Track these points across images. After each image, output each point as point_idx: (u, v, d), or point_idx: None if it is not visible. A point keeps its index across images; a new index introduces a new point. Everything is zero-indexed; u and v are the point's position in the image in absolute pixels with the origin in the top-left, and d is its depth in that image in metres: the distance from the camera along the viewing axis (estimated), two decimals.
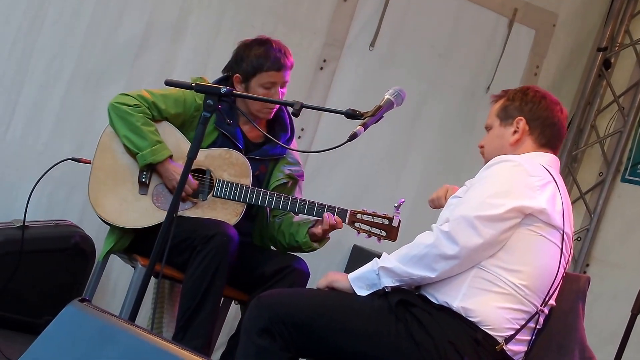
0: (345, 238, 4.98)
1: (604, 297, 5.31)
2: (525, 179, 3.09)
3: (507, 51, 5.48)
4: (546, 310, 3.22)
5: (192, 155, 3.09)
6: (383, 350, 3.07)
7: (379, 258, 3.20)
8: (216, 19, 4.97)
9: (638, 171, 5.48)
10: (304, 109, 3.11)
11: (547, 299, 3.16)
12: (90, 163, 3.97)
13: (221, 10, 4.97)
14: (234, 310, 4.31)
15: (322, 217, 3.91)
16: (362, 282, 3.19)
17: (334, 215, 3.92)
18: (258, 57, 3.98)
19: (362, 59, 5.20)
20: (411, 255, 3.12)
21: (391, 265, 3.14)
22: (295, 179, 4.12)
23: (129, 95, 3.95)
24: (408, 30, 5.32)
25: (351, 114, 3.09)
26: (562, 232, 3.14)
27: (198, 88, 3.18)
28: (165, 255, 3.10)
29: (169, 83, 3.33)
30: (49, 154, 4.53)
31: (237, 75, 4.02)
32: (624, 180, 5.56)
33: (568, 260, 3.25)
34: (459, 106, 5.39)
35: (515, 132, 3.26)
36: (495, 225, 3.04)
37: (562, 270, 3.20)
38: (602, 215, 5.59)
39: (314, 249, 4.02)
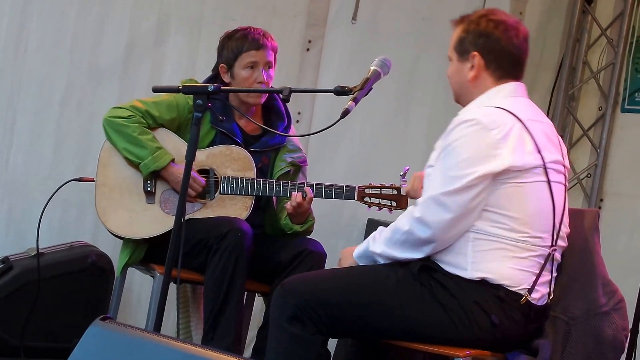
0: (359, 213, 4.98)
1: (623, 228, 5.31)
2: (486, 138, 3.04)
3: (489, 2, 5.45)
4: (562, 243, 3.20)
5: (190, 157, 3.10)
6: (412, 318, 3.08)
7: (377, 234, 3.22)
8: (196, 18, 4.97)
9: (637, 99, 5.47)
10: (296, 93, 3.14)
11: (555, 235, 3.15)
12: (93, 181, 3.99)
13: (199, 9, 4.97)
14: (259, 303, 4.33)
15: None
16: (366, 260, 3.24)
17: (342, 194, 3.93)
18: (237, 41, 4.02)
19: (346, 33, 5.19)
20: (394, 240, 3.15)
21: (379, 250, 3.18)
22: (298, 166, 4.13)
23: (121, 108, 3.97)
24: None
25: (340, 91, 3.09)
26: (542, 166, 3.09)
27: (185, 90, 3.19)
28: (180, 260, 3.11)
29: (156, 90, 3.35)
30: (53, 177, 4.55)
31: (222, 65, 4.05)
32: (624, 110, 5.53)
33: (565, 184, 3.21)
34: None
35: (472, 67, 3.20)
36: (462, 196, 3.03)
37: (560, 199, 3.16)
38: (607, 148, 5.57)
39: (296, 231, 4.02)
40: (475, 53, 3.19)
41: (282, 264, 3.90)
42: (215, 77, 4.10)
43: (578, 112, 5.73)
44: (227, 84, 4.03)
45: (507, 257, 3.07)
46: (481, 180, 3.03)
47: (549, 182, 3.11)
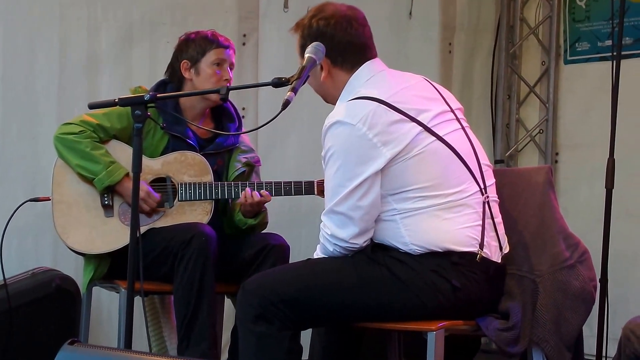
0: (318, 198, 4.97)
1: (583, 179, 5.35)
2: (358, 139, 3.04)
3: None
4: (490, 181, 3.21)
5: (136, 170, 3.08)
6: (376, 298, 3.10)
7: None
8: (126, 28, 4.92)
9: (578, 49, 5.49)
10: (236, 90, 3.12)
11: (479, 178, 3.16)
12: (49, 200, 3.96)
13: (128, 18, 4.93)
14: (230, 304, 4.31)
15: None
16: None
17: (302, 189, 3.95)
18: (204, 39, 4.06)
19: (280, 23, 5.16)
20: (329, 254, 3.18)
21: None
22: (252, 166, 4.15)
23: (71, 124, 3.95)
24: None
25: (278, 83, 3.07)
26: (424, 130, 3.09)
27: (121, 102, 3.15)
28: (141, 273, 3.09)
29: (92, 106, 3.32)
30: (5, 205, 4.48)
31: (185, 61, 4.06)
32: (567, 62, 5.55)
33: (462, 127, 3.22)
34: (387, 37, 5.35)
35: (322, 69, 3.22)
36: (352, 199, 3.06)
37: (462, 144, 3.17)
38: (556, 102, 5.59)
39: (251, 224, 4.03)
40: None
41: (247, 262, 3.91)
42: (164, 84, 4.10)
43: (522, 69, 5.75)
44: (187, 80, 4.06)
45: (441, 222, 3.08)
46: (370, 180, 3.05)
47: (439, 138, 3.10)
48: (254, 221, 4.03)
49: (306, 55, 3.14)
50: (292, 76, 3.05)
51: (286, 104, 2.94)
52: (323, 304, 3.12)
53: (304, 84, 3.05)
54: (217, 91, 3.16)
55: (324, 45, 3.16)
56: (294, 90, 3.00)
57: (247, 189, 3.93)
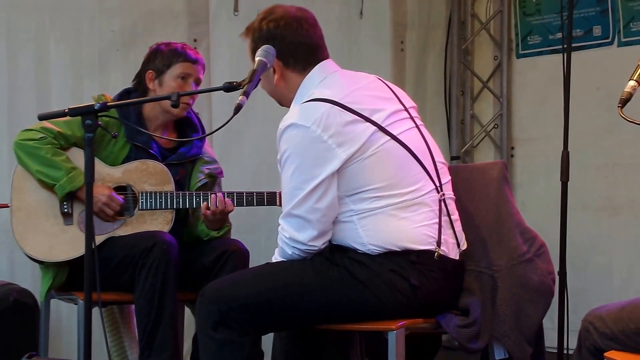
0: (280, 207, 4.96)
1: (539, 172, 5.38)
2: (314, 141, 3.04)
3: None
4: (446, 179, 3.22)
5: (89, 180, 3.03)
6: (336, 300, 3.09)
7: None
8: (75, 37, 4.89)
9: (529, 43, 5.51)
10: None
11: (435, 176, 3.16)
12: (8, 206, 3.94)
13: (77, 27, 4.89)
14: (190, 312, 4.29)
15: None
16: None
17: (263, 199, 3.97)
18: (172, 51, 4.03)
19: (230, 27, 5.14)
20: (288, 257, 3.17)
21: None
22: (214, 177, 4.15)
23: (32, 130, 3.93)
24: None
25: (229, 87, 3.05)
26: (378, 130, 3.09)
27: (71, 112, 3.11)
28: (98, 282, 3.05)
29: (42, 117, 3.28)
30: None
31: (150, 71, 4.03)
32: (519, 56, 5.57)
33: (416, 125, 3.22)
34: (339, 37, 5.35)
35: (274, 71, 3.22)
36: (309, 201, 3.06)
37: (417, 142, 3.17)
38: (509, 96, 5.61)
39: (213, 237, 4.02)
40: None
41: (206, 268, 3.90)
42: (127, 93, 4.08)
43: (475, 65, 5.76)
44: (150, 91, 4.04)
45: (398, 222, 3.08)
46: (327, 182, 3.05)
47: (394, 137, 3.11)
48: (217, 234, 4.02)
49: (256, 59, 3.12)
50: (243, 80, 3.04)
51: (238, 108, 2.93)
52: (283, 307, 3.11)
53: (255, 87, 3.04)
54: (167, 97, 3.14)
55: (275, 48, 3.15)
56: (246, 94, 2.98)
57: (212, 197, 3.91)
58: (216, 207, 3.88)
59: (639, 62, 2.32)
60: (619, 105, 2.27)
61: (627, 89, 2.29)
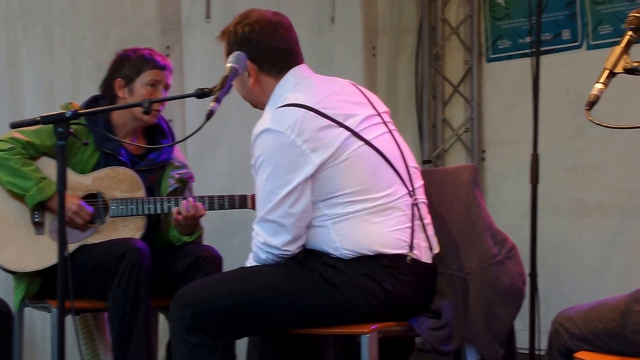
0: (254, 212, 4.96)
1: (509, 174, 5.42)
2: (287, 146, 3.06)
3: None
4: (418, 183, 3.24)
5: (61, 188, 3.03)
6: (309, 304, 3.11)
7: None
8: (46, 44, 4.88)
9: (499, 47, 5.56)
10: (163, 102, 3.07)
11: (407, 181, 3.19)
12: None
13: (48, 35, 4.88)
14: (164, 319, 4.29)
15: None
16: None
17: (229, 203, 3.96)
18: (140, 58, 4.02)
19: (203, 33, 5.16)
20: (261, 262, 3.18)
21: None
22: (185, 182, 4.14)
23: (1, 141, 3.91)
24: None
25: (201, 94, 3.07)
26: (351, 135, 3.11)
27: (43, 120, 3.11)
28: (71, 290, 3.05)
29: (15, 125, 3.27)
30: None
31: (119, 79, 4.02)
32: (489, 60, 5.62)
33: (389, 130, 3.24)
34: (311, 43, 5.36)
35: (249, 75, 3.23)
36: (283, 206, 3.07)
37: (390, 147, 3.19)
38: (480, 100, 5.66)
39: (185, 242, 4.01)
40: (246, 61, 3.19)
41: (179, 274, 3.88)
42: (95, 100, 4.07)
43: (445, 69, 5.80)
44: (120, 99, 4.02)
45: (371, 226, 3.10)
46: (296, 189, 3.06)
47: (367, 142, 3.13)
48: (189, 239, 4.02)
49: (227, 65, 3.14)
50: (215, 86, 3.05)
51: (210, 114, 2.94)
52: (256, 311, 3.12)
53: (227, 93, 3.05)
54: (139, 105, 3.14)
55: (251, 52, 3.18)
56: (218, 101, 2.99)
57: (184, 201, 3.91)
58: (187, 211, 3.89)
59: (605, 65, 2.35)
60: (586, 107, 2.30)
61: (594, 91, 2.32)
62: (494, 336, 3.23)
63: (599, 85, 2.31)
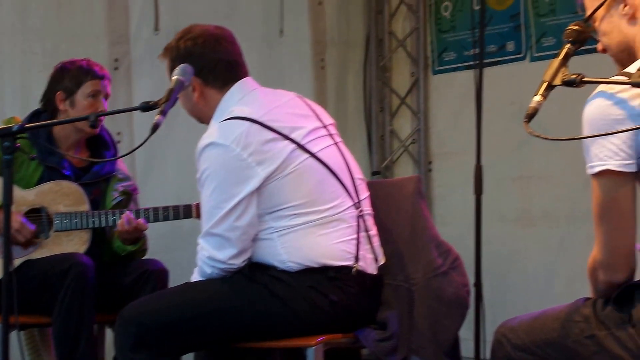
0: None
1: (457, 185, 5.44)
2: (232, 160, 3.07)
3: None
4: (364, 195, 3.26)
5: (7, 202, 3.00)
6: (255, 318, 3.12)
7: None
8: None
9: (445, 59, 5.61)
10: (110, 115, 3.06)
11: (353, 193, 3.21)
12: None
13: None
14: (111, 334, 4.27)
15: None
16: None
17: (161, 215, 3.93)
18: (79, 69, 4.00)
19: (151, 46, 5.12)
20: (207, 276, 3.17)
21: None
22: (130, 194, 4.12)
23: None
24: (185, 4, 5.27)
25: (146, 107, 3.05)
26: (297, 147, 3.13)
27: None
28: (16, 305, 3.03)
29: None
30: None
31: (59, 92, 3.99)
32: (435, 72, 5.66)
33: (335, 142, 3.26)
34: (260, 55, 5.37)
35: (193, 89, 3.24)
36: (228, 220, 3.09)
37: (336, 160, 3.21)
38: (427, 112, 5.70)
39: (130, 251, 4.00)
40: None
41: (125, 290, 3.86)
42: (38, 114, 4.04)
43: (393, 81, 5.84)
44: (62, 112, 4.00)
45: (317, 238, 3.12)
46: (242, 202, 3.07)
47: (313, 155, 3.15)
48: (133, 247, 4.00)
49: (173, 78, 3.14)
50: (160, 99, 3.05)
51: (155, 127, 2.93)
52: (202, 327, 3.12)
53: (172, 106, 3.05)
54: (86, 118, 3.14)
55: (194, 65, 3.17)
56: (163, 114, 2.99)
57: (124, 216, 3.89)
58: (128, 225, 3.88)
59: (543, 77, 2.38)
60: (525, 120, 2.32)
61: (533, 104, 2.34)
62: (440, 346, 3.26)
63: (537, 98, 2.34)
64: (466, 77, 5.14)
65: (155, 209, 3.94)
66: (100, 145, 4.13)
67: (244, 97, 3.21)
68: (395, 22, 5.79)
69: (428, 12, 5.65)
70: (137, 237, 3.98)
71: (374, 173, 5.75)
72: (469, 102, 4.67)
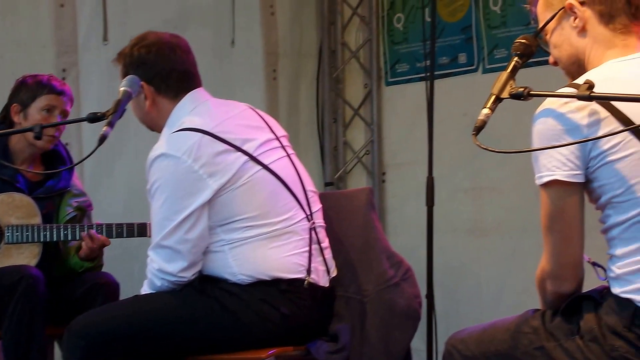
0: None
1: (410, 196, 5.45)
2: (183, 172, 3.04)
3: (238, 3, 5.47)
4: (316, 207, 3.25)
5: None
6: (206, 331, 3.09)
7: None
8: None
9: (398, 71, 5.62)
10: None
11: (305, 205, 3.20)
12: None
13: None
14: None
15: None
16: None
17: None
18: (37, 83, 3.96)
19: (99, 56, 5.10)
20: (157, 289, 3.15)
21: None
22: (84, 210, 4.09)
23: None
24: (135, 14, 5.25)
25: (93, 118, 3.04)
26: (249, 159, 3.11)
27: None
28: None
29: None
30: None
31: (15, 105, 3.96)
32: (388, 84, 5.67)
33: (287, 154, 3.25)
34: (211, 66, 5.34)
35: (145, 97, 3.22)
36: (179, 232, 3.06)
37: (288, 172, 3.19)
38: (380, 123, 5.71)
39: (88, 267, 3.97)
40: (142, 83, 3.18)
41: (76, 302, 3.83)
42: (2, 120, 4.02)
43: (346, 93, 5.84)
44: (16, 124, 3.96)
45: (268, 251, 3.10)
46: (192, 214, 3.04)
47: (265, 167, 3.13)
48: (92, 264, 3.97)
49: (121, 89, 3.12)
50: (107, 111, 3.02)
51: (102, 139, 2.91)
52: (152, 340, 3.09)
53: (120, 117, 3.03)
54: (30, 130, 3.11)
55: (147, 73, 3.16)
56: (110, 125, 2.97)
57: (91, 231, 3.87)
58: (93, 245, 3.85)
59: (492, 91, 2.39)
60: (473, 132, 2.33)
61: (481, 116, 2.35)
62: (391, 358, 3.26)
63: (485, 111, 2.35)
64: (419, 89, 5.16)
65: (109, 225, 3.93)
66: (55, 160, 4.09)
67: (195, 108, 3.19)
68: (348, 34, 5.80)
69: (381, 24, 5.66)
70: (97, 255, 3.95)
71: (327, 184, 5.74)
72: (422, 113, 4.69)
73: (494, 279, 5.11)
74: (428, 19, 4.82)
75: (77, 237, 3.90)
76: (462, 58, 5.29)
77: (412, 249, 4.12)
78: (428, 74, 4.36)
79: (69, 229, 3.90)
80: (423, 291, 3.77)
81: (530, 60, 2.49)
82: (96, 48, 5.14)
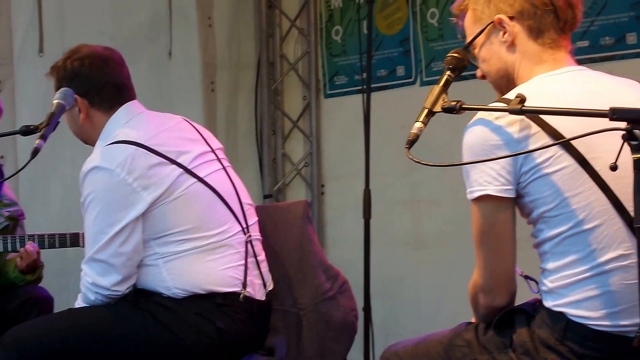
0: None
1: (348, 208, 5.45)
2: (119, 184, 3.02)
3: (175, 14, 5.45)
4: (252, 219, 3.24)
5: None
6: (140, 346, 3.06)
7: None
8: None
9: (336, 83, 5.63)
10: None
11: (241, 218, 3.18)
12: None
13: None
14: None
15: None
16: None
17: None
18: None
19: (36, 68, 5.06)
20: (90, 303, 3.11)
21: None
22: (16, 219, 4.06)
23: None
24: (71, 25, 5.21)
25: (26, 131, 3.02)
26: (184, 172, 3.09)
27: None
28: None
29: None
30: None
31: None
32: (327, 96, 5.68)
33: (223, 167, 3.23)
34: (148, 78, 5.33)
35: (79, 111, 3.19)
36: (112, 245, 3.03)
37: (223, 184, 3.18)
38: (319, 135, 5.70)
39: (28, 281, 3.92)
40: (76, 96, 3.17)
41: (9, 317, 3.80)
42: None
43: (285, 105, 5.83)
44: None
45: (203, 264, 3.08)
46: (126, 227, 3.02)
47: (200, 180, 3.12)
48: (33, 276, 3.94)
49: (54, 102, 3.09)
50: (41, 123, 2.99)
51: (35, 152, 2.88)
52: (85, 354, 3.05)
53: (53, 130, 3.00)
54: None
55: (81, 86, 3.14)
56: (44, 138, 2.94)
57: (28, 245, 3.83)
58: (29, 259, 3.81)
59: (424, 104, 2.40)
60: (406, 146, 2.33)
61: (414, 130, 2.35)
62: None
63: (418, 124, 2.35)
64: (357, 101, 5.17)
65: (41, 236, 3.88)
66: None
67: (130, 121, 3.17)
68: (287, 46, 5.80)
69: (319, 36, 5.67)
70: (35, 266, 3.90)
71: (266, 196, 5.73)
72: (360, 125, 4.70)
73: (432, 291, 5.13)
74: (366, 32, 4.83)
75: (10, 249, 3.85)
76: (400, 71, 5.32)
77: (351, 261, 4.12)
78: (366, 87, 4.37)
79: (1, 240, 3.86)
80: (361, 304, 3.78)
81: (466, 72, 2.50)
82: (32, 59, 5.10)
